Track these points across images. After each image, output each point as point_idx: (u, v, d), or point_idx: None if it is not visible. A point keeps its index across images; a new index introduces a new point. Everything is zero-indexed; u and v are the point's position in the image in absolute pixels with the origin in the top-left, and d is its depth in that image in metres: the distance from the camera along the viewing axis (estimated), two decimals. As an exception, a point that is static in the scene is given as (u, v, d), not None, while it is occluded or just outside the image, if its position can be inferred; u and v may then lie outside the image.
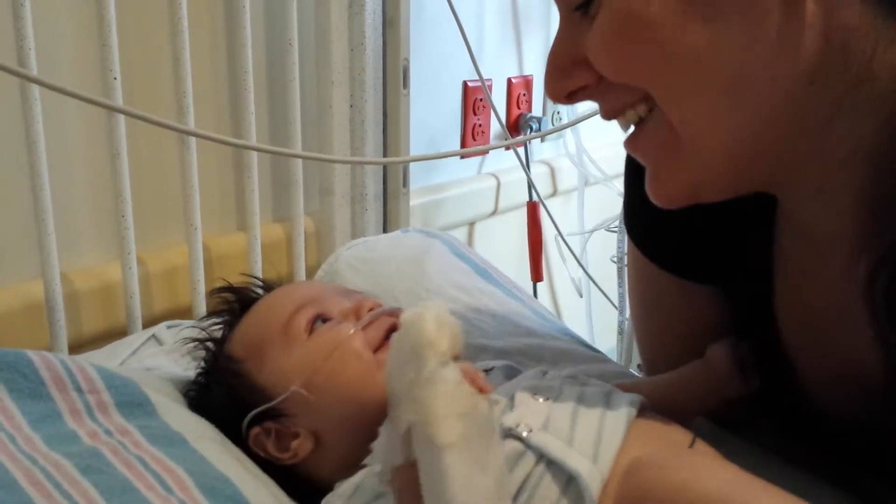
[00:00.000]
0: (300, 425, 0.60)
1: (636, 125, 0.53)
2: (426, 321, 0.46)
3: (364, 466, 0.57)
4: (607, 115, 0.54)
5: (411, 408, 0.45)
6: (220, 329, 0.69)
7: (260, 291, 0.71)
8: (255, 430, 0.61)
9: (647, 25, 0.47)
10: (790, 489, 0.61)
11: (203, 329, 0.69)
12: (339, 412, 0.59)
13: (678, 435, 0.52)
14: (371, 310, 0.63)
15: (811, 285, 0.58)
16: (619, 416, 0.51)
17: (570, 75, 0.51)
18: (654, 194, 0.54)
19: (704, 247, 0.63)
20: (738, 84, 0.47)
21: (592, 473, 0.47)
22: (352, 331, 0.60)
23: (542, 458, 0.49)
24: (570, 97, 0.53)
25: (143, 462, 0.56)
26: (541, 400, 0.53)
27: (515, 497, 0.48)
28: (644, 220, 0.68)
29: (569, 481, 0.47)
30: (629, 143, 0.54)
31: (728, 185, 0.52)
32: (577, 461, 0.47)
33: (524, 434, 0.49)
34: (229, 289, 0.71)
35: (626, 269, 1.48)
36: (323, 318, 0.63)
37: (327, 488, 0.58)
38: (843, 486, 0.61)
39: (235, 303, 0.70)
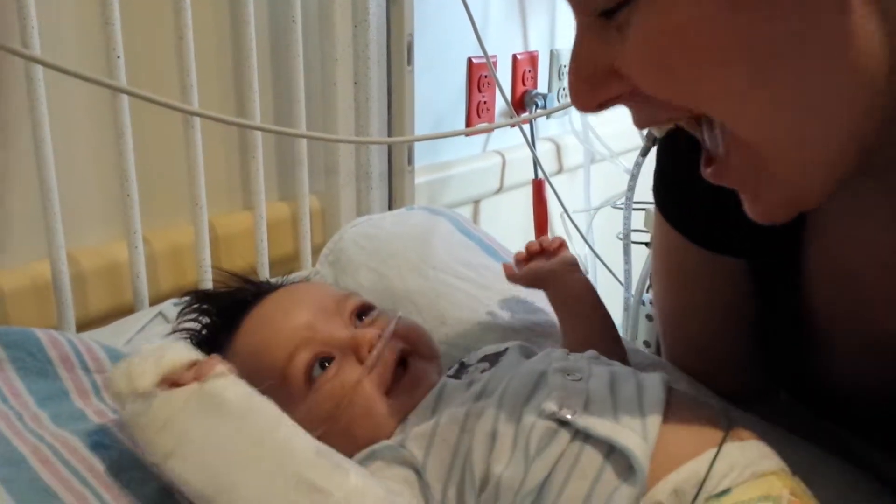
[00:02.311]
0: None
1: (713, 155, 0.49)
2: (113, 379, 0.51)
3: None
4: (642, 125, 0.50)
5: (148, 454, 0.50)
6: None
7: (238, 294, 0.68)
8: None
9: (695, 45, 0.42)
10: (803, 464, 0.61)
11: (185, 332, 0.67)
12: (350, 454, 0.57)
13: (708, 412, 0.51)
14: (371, 347, 0.58)
15: (854, 254, 0.56)
16: (655, 391, 0.51)
17: (599, 87, 0.47)
18: (755, 216, 0.49)
19: (735, 218, 0.62)
20: (810, 95, 0.43)
21: (644, 448, 0.46)
22: (357, 376, 0.57)
23: (578, 434, 0.48)
24: (601, 107, 0.48)
25: (150, 439, 0.56)
26: (576, 380, 0.52)
27: (549, 476, 0.47)
28: (675, 194, 0.66)
29: (609, 453, 0.47)
30: (713, 177, 0.49)
31: (830, 188, 0.48)
32: (628, 437, 0.47)
33: (569, 417, 0.49)
34: (199, 294, 0.69)
35: (631, 246, 1.48)
36: (322, 360, 0.59)
37: None
38: (855, 462, 0.62)
39: (214, 313, 0.67)
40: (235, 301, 0.66)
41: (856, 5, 0.41)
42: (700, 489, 0.44)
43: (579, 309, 0.71)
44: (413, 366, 0.60)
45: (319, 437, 0.55)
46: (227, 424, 0.49)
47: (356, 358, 0.58)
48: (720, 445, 0.46)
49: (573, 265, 0.73)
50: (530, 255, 0.74)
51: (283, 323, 0.61)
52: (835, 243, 0.58)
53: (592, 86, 0.47)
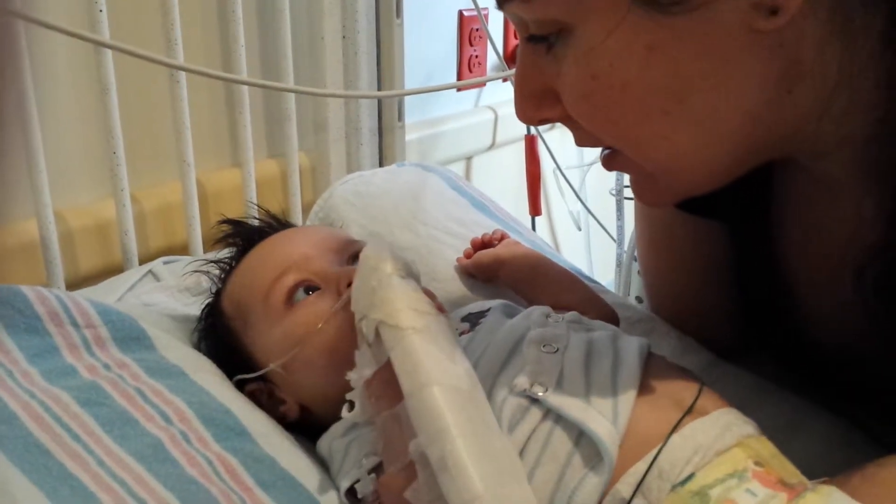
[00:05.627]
0: (285, 394, 0.60)
1: (608, 153, 0.53)
2: (381, 249, 0.52)
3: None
4: (580, 144, 0.53)
5: (377, 309, 0.49)
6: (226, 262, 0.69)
7: (264, 227, 0.70)
8: (251, 385, 0.61)
9: (616, 89, 0.46)
10: (785, 413, 0.62)
11: (204, 266, 0.69)
12: (321, 390, 0.58)
13: (684, 384, 0.50)
14: (351, 282, 0.58)
15: (814, 218, 0.58)
16: (631, 368, 0.50)
17: (541, 106, 0.51)
18: (643, 201, 0.56)
19: None
20: (712, 127, 0.47)
21: (613, 436, 0.45)
22: (333, 308, 0.57)
23: (549, 413, 0.48)
24: (542, 122, 0.53)
25: (142, 394, 0.56)
26: (551, 352, 0.51)
27: (521, 452, 0.47)
28: None
29: (579, 437, 0.46)
30: (606, 166, 0.54)
31: (717, 183, 0.53)
32: (598, 423, 0.46)
33: (540, 395, 0.48)
34: (232, 222, 0.71)
35: (624, 201, 1.48)
36: (307, 287, 0.59)
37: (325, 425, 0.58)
38: (833, 412, 0.63)
39: (238, 238, 0.70)
40: (258, 231, 0.69)
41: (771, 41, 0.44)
42: (639, 485, 0.44)
43: (539, 271, 0.71)
44: None
45: (286, 366, 0.58)
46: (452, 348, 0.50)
47: (338, 292, 0.59)
48: (667, 437, 0.45)
49: (516, 242, 0.75)
50: (475, 249, 0.77)
51: (282, 248, 0.64)
52: (801, 214, 0.59)
53: (534, 104, 0.51)
